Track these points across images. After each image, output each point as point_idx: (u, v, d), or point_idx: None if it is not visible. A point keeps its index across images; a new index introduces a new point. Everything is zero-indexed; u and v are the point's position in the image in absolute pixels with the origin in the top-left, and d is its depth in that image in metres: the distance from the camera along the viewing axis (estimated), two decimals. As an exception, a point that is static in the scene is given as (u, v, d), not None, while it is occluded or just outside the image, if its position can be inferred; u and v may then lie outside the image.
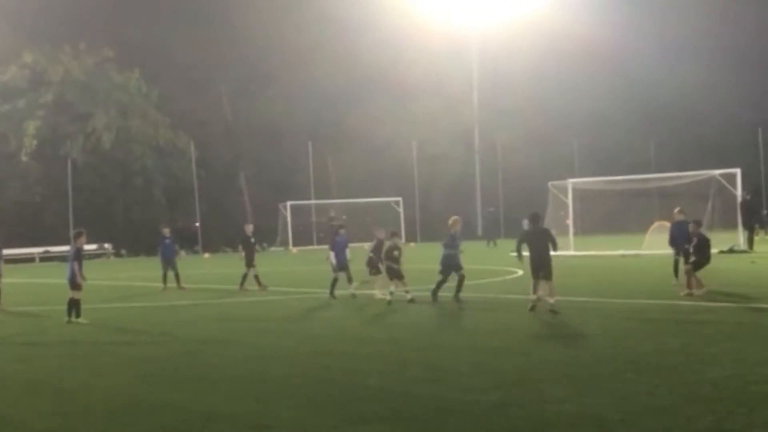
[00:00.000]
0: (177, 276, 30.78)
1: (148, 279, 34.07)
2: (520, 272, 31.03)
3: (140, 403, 11.21)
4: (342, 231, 26.70)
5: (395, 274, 23.23)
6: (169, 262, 31.38)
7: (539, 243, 20.59)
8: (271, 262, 46.96)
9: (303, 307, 21.65)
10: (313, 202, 76.16)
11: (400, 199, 75.75)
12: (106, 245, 68.47)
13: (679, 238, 24.95)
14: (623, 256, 41.23)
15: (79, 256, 20.89)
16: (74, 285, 20.48)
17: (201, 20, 74.98)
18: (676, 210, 26.47)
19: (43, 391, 12.49)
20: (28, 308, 25.25)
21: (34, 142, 68.64)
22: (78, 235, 21.48)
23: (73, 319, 20.15)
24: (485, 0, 79.34)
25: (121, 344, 17.10)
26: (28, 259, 61.81)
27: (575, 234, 47.95)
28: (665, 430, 9.09)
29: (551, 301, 19.90)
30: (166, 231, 32.83)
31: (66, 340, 18.24)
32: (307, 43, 74.01)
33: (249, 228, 32.42)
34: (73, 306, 20.25)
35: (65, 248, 63.76)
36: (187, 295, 27.97)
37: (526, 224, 24.95)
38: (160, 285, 30.61)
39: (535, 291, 20.28)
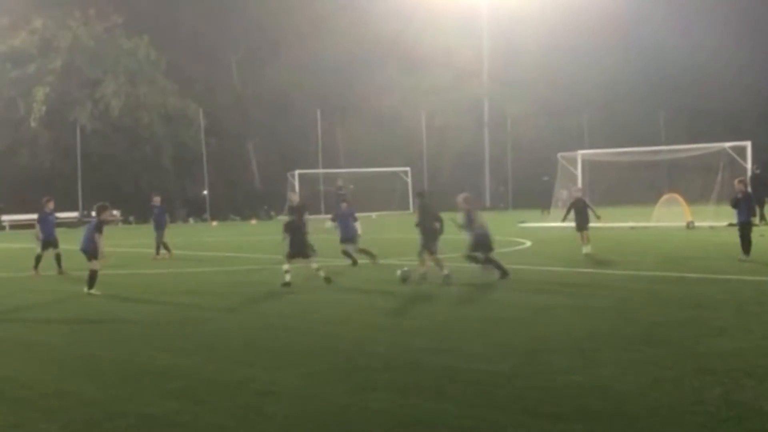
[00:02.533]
0: (158, 246, 30.54)
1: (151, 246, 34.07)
2: (529, 243, 31.00)
3: (147, 370, 11.17)
4: (344, 205, 26.43)
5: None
6: (162, 230, 30.96)
7: (426, 219, 21.30)
8: (279, 230, 46.96)
9: (308, 275, 21.54)
10: (321, 171, 76.21)
11: (408, 169, 75.69)
12: (115, 212, 68.55)
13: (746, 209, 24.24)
14: (632, 228, 41.13)
15: (101, 229, 20.73)
16: (95, 256, 20.32)
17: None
18: (738, 180, 25.39)
19: (54, 358, 12.46)
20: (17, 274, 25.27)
21: (43, 107, 68.64)
22: (102, 209, 21.28)
23: (90, 290, 20.00)
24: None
25: (128, 312, 17.06)
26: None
27: (557, 206, 47.81)
28: (673, 402, 9.01)
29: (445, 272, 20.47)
30: (157, 199, 32.40)
31: (76, 308, 18.23)
32: (316, 12, 73.78)
33: (157, 199, 32.31)
34: (92, 277, 20.10)
35: (73, 214, 64.14)
36: (194, 262, 27.94)
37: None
38: (165, 253, 30.55)
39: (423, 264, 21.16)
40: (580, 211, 28.35)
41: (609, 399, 9.19)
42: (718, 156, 46.61)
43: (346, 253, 25.48)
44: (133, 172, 73.46)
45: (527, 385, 9.86)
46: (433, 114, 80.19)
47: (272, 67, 78.71)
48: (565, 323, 14.17)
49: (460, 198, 21.97)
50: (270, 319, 15.58)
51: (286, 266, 20.45)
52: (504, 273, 20.80)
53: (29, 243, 29.22)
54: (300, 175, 72.33)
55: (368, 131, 78.10)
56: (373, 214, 67.31)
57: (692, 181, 48.49)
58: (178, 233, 37.33)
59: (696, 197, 44.68)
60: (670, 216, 42.10)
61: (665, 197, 44.44)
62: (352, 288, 20.17)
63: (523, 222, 45.48)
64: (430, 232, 21.04)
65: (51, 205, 26.25)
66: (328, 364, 11.32)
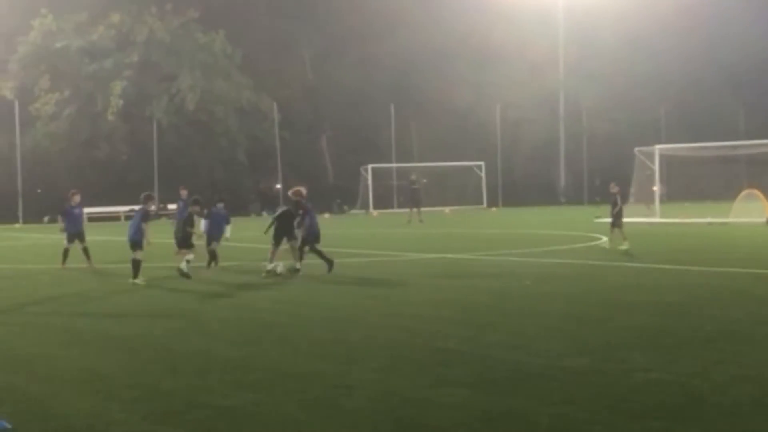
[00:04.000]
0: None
1: (232, 239, 34.14)
2: (605, 239, 30.67)
3: (222, 362, 11.21)
4: (220, 205, 25.15)
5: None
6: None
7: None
8: (351, 224, 47.12)
9: (381, 270, 21.55)
10: (394, 165, 76.16)
11: (482, 163, 75.37)
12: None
13: None
14: (710, 223, 40.52)
15: (147, 217, 20.94)
16: (138, 245, 20.52)
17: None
18: None
19: (130, 348, 12.55)
20: (107, 266, 25.57)
21: (120, 102, 69.53)
22: (148, 198, 21.50)
23: (135, 280, 20.18)
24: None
25: (197, 305, 17.16)
26: (114, 218, 62.84)
27: (662, 201, 47.23)
28: (754, 400, 8.81)
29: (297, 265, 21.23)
30: (184, 193, 31.05)
31: (144, 298, 18.39)
32: (390, 6, 73.68)
33: (183, 192, 30.87)
34: (137, 266, 20.29)
35: (150, 208, 64.94)
36: (263, 255, 28.02)
37: None
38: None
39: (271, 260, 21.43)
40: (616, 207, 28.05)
41: (688, 396, 9.02)
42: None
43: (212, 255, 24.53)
44: (207, 166, 74.08)
45: (605, 382, 9.71)
46: (508, 107, 79.61)
47: (346, 61, 78.85)
48: (642, 320, 13.94)
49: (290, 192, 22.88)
50: (341, 312, 15.55)
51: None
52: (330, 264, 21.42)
53: (105, 235, 29.56)
54: (373, 169, 72.41)
55: (442, 125, 77.87)
56: (447, 209, 67.14)
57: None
58: (252, 225, 37.47)
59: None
60: (748, 212, 41.38)
61: (744, 193, 43.70)
62: (422, 281, 20.06)
63: (598, 217, 44.92)
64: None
65: (77, 199, 25.64)
66: (401, 358, 11.25)
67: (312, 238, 22.10)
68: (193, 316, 15.44)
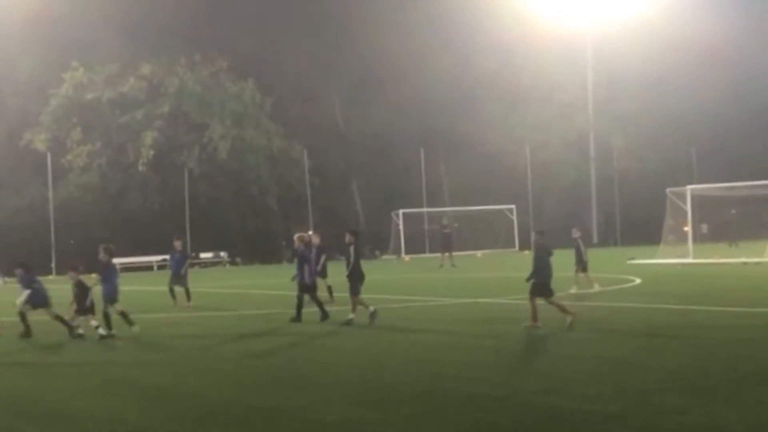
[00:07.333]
0: (187, 293, 27.94)
1: (263, 287, 34.30)
2: (638, 280, 30.43)
3: (255, 411, 11.17)
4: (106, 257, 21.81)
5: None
6: (177, 277, 28.59)
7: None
8: (383, 269, 47.00)
9: (413, 315, 21.45)
10: (425, 210, 76.11)
11: (513, 206, 75.12)
12: (222, 253, 69.67)
13: None
14: (745, 264, 40.09)
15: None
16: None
17: (312, 30, 75.77)
18: None
19: (163, 398, 12.54)
20: (137, 315, 25.61)
21: (152, 152, 70.02)
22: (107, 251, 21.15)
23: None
24: (599, 2, 78.29)
25: (232, 352, 17.12)
26: (147, 267, 63.12)
27: (694, 241, 46.86)
28: (795, 444, 8.66)
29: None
30: (177, 244, 29.55)
31: (172, 347, 18.39)
32: (417, 49, 73.98)
33: (177, 244, 29.51)
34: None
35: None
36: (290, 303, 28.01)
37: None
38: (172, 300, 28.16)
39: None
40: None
41: (725, 440, 8.89)
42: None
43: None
44: (239, 214, 74.34)
45: (639, 426, 9.61)
46: (537, 149, 79.45)
47: (375, 105, 79.05)
48: (677, 362, 13.79)
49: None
50: (373, 357, 15.49)
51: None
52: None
53: (137, 285, 29.62)
54: (404, 214, 72.41)
55: (472, 168, 77.77)
56: (478, 253, 66.98)
57: None
58: (282, 273, 37.48)
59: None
60: (783, 252, 41.02)
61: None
62: (453, 326, 19.95)
63: (632, 259, 44.65)
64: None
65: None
66: (435, 403, 11.18)
67: (309, 286, 22.13)
68: (226, 363, 15.39)
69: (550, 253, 19.31)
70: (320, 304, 21.78)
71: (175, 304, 27.61)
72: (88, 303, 19.92)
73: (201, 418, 10.90)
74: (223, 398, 12.21)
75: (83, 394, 12.95)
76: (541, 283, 18.65)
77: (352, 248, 21.14)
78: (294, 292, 22.16)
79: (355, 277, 20.89)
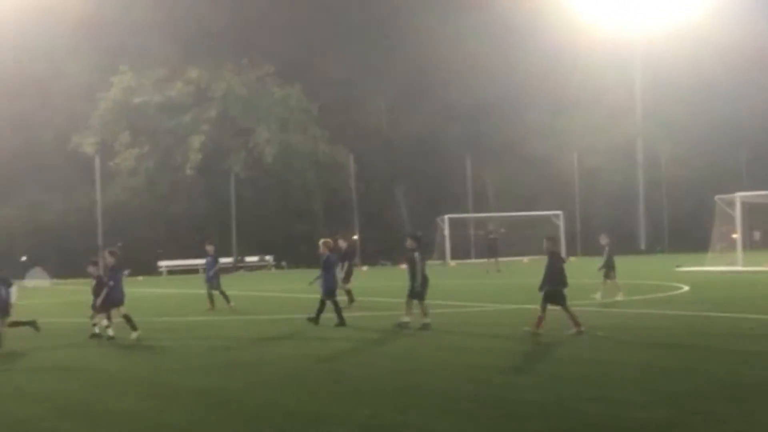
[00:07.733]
0: (224, 295, 28.07)
1: (309, 290, 34.16)
2: (686, 288, 30.10)
3: (299, 416, 11.13)
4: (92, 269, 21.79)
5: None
6: (210, 282, 28.69)
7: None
8: (428, 275, 46.86)
9: (457, 320, 21.33)
10: (471, 215, 75.89)
11: (560, 212, 74.64)
12: (267, 257, 69.96)
13: None
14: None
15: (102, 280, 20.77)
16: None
17: (358, 35, 75.89)
18: None
19: (209, 402, 12.55)
20: (177, 319, 25.73)
21: (199, 156, 70.43)
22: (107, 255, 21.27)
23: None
24: (648, 6, 77.73)
25: (275, 356, 17.11)
26: (192, 271, 63.43)
27: (746, 249, 46.30)
28: None
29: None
30: (210, 249, 29.50)
31: (214, 348, 18.39)
32: (463, 55, 73.85)
33: (210, 249, 29.61)
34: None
35: (228, 260, 65.56)
36: (344, 307, 27.98)
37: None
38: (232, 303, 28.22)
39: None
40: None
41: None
42: None
43: None
44: (285, 219, 74.53)
45: (687, 435, 9.45)
46: (585, 155, 78.94)
47: (420, 110, 78.98)
48: (724, 369, 13.59)
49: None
50: (416, 364, 15.43)
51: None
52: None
53: (185, 288, 29.79)
54: (450, 219, 72.20)
55: (518, 174, 77.46)
56: (525, 259, 66.64)
57: None
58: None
59: None
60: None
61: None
62: (497, 331, 19.83)
63: (680, 266, 44.22)
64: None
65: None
66: (480, 409, 11.09)
67: (331, 291, 22.29)
68: (258, 369, 15.37)
69: (562, 260, 19.27)
70: (339, 310, 21.81)
71: (212, 308, 27.71)
72: (100, 300, 20.18)
73: (247, 423, 10.88)
74: (268, 402, 12.21)
75: (128, 399, 12.95)
76: (553, 291, 18.56)
77: (416, 254, 20.98)
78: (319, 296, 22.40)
79: (423, 283, 20.83)
